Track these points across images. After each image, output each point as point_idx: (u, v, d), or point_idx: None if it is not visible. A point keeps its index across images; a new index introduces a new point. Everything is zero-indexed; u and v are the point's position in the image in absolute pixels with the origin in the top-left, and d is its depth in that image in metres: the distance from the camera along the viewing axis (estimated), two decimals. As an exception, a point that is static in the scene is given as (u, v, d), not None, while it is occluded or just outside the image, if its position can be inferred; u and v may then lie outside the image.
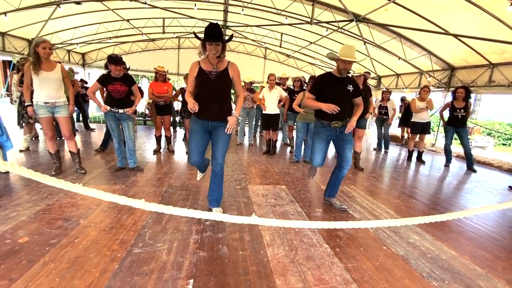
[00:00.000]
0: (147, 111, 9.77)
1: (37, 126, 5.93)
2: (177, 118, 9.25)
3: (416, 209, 3.25)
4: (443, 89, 7.90)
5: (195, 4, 7.76)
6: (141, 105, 8.93)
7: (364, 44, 7.52)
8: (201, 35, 2.31)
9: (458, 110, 5.36)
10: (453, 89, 5.66)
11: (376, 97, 9.48)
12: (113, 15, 8.30)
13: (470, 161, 5.53)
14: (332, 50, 9.83)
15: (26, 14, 6.87)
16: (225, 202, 3.04)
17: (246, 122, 7.25)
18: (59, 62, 3.56)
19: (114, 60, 3.54)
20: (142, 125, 9.82)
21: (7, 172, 3.47)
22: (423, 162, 5.95)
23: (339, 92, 2.79)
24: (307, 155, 5.25)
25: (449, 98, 6.04)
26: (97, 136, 6.70)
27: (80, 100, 7.12)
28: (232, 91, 2.68)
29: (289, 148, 6.54)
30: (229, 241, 2.22)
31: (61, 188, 2.91)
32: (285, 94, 5.70)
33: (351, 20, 6.50)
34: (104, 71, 4.04)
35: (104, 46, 11.34)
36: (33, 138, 5.48)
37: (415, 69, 8.51)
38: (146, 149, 5.60)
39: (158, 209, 1.06)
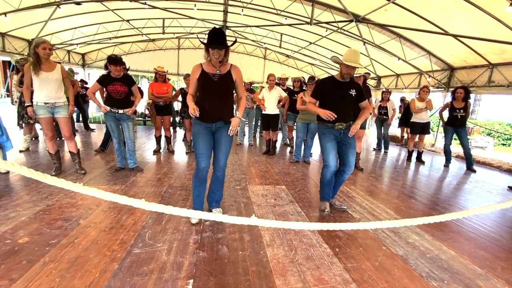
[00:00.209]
0: (147, 112, 9.77)
1: (37, 126, 5.93)
2: (177, 119, 9.25)
3: (415, 209, 3.26)
4: (443, 89, 7.91)
5: (195, 5, 7.76)
6: (141, 106, 8.93)
7: (364, 44, 7.53)
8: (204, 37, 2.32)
9: (457, 110, 5.37)
10: (453, 89, 5.67)
11: (376, 97, 9.49)
12: (113, 15, 8.31)
13: (469, 161, 5.54)
14: (331, 50, 9.86)
15: (26, 14, 6.87)
16: (225, 202, 3.04)
17: (246, 123, 7.26)
18: (59, 63, 3.56)
19: (114, 60, 3.54)
20: (142, 125, 9.82)
21: (7, 173, 3.47)
22: (423, 162, 5.96)
23: (342, 97, 2.76)
24: (306, 155, 5.26)
25: (448, 98, 6.06)
26: (97, 137, 6.70)
27: (80, 100, 7.13)
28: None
29: (289, 148, 6.54)
30: (229, 241, 2.22)
31: (61, 189, 2.90)
32: (284, 94, 5.71)
33: (351, 21, 6.50)
34: (104, 72, 4.04)
35: (104, 46, 11.34)
36: (33, 139, 5.48)
37: (415, 70, 8.51)
38: (146, 150, 5.60)
39: (158, 209, 1.07)
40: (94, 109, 11.08)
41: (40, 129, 6.08)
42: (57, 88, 3.40)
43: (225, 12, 8.37)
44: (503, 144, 14.56)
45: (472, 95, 6.21)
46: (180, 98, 5.69)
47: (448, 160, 5.77)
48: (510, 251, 2.36)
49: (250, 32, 10.17)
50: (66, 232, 2.18)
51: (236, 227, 2.44)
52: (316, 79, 5.15)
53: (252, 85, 7.16)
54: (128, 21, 9.02)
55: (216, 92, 2.40)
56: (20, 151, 4.63)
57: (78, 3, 6.83)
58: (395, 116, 7.71)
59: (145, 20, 9.21)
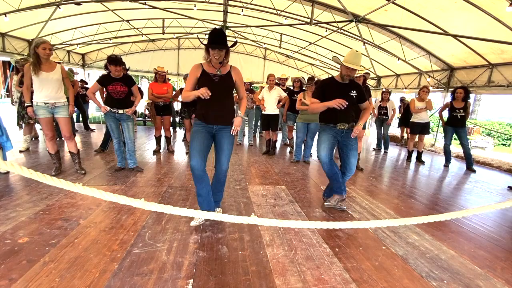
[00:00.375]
0: (147, 112, 9.77)
1: (37, 126, 5.94)
2: (177, 119, 9.25)
3: (415, 209, 3.26)
4: (443, 89, 7.91)
5: (195, 5, 7.76)
6: (141, 106, 8.93)
7: (364, 44, 7.53)
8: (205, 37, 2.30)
9: (457, 110, 5.37)
10: (452, 89, 5.67)
11: (375, 97, 9.49)
12: (113, 15, 8.31)
13: (469, 161, 5.54)
14: (331, 51, 9.87)
15: (26, 14, 6.88)
16: (225, 202, 3.04)
17: (246, 123, 7.26)
18: (59, 63, 3.56)
19: (114, 60, 3.55)
20: (142, 125, 9.82)
21: (7, 173, 3.47)
22: (423, 162, 5.96)
23: (342, 97, 2.72)
24: (306, 155, 5.26)
25: (448, 98, 6.06)
26: (97, 137, 6.70)
27: (80, 100, 7.13)
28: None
29: (288, 149, 6.54)
30: (229, 241, 2.22)
31: (61, 189, 2.91)
32: (284, 94, 5.71)
33: (351, 21, 6.50)
34: (104, 72, 4.04)
35: (104, 46, 11.35)
36: (33, 139, 5.49)
37: (415, 70, 8.52)
38: (146, 150, 5.60)
39: (157, 209, 1.07)
40: (94, 109, 11.09)
41: (40, 129, 6.08)
42: (57, 88, 3.40)
43: (225, 12, 8.38)
44: (503, 144, 14.57)
45: (472, 95, 6.21)
46: (180, 98, 5.69)
47: (448, 160, 5.77)
48: (510, 251, 2.37)
49: (250, 32, 10.18)
50: (66, 232, 2.19)
51: (236, 227, 2.44)
52: (316, 79, 5.17)
53: (252, 85, 7.16)
54: (128, 21, 9.02)
55: (217, 94, 2.35)
56: (20, 151, 4.63)
57: (78, 3, 6.84)
58: (395, 116, 7.71)
59: (145, 20, 9.22)
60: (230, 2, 7.67)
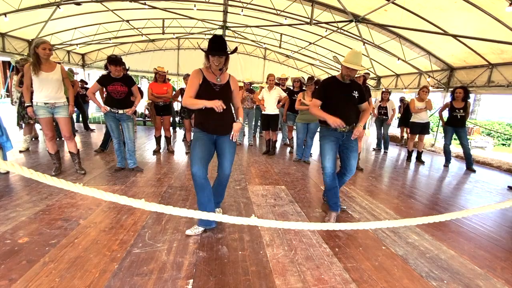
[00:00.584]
0: (147, 112, 9.77)
1: (37, 126, 5.93)
2: (177, 119, 9.25)
3: (415, 209, 3.26)
4: (442, 89, 7.92)
5: (195, 5, 7.76)
6: (141, 106, 8.93)
7: (364, 44, 7.53)
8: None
9: (457, 110, 5.37)
10: (452, 89, 5.67)
11: (375, 97, 9.49)
12: (113, 15, 8.31)
13: (469, 161, 5.54)
14: (331, 51, 9.87)
15: (26, 15, 6.88)
16: (225, 202, 3.04)
17: (246, 123, 7.26)
18: (59, 63, 3.56)
19: (114, 61, 3.55)
20: (142, 125, 9.82)
21: (7, 173, 3.47)
22: (423, 162, 5.96)
23: (346, 98, 2.69)
24: (306, 155, 5.27)
25: (448, 98, 6.06)
26: (97, 137, 6.70)
27: (80, 100, 7.13)
28: None
29: (288, 149, 6.54)
30: (229, 241, 2.22)
31: (61, 189, 2.90)
32: (284, 94, 5.71)
33: (351, 21, 6.50)
34: (104, 72, 4.04)
35: (104, 46, 11.34)
36: (33, 139, 5.48)
37: (415, 70, 8.52)
38: (146, 150, 5.60)
39: (157, 209, 1.07)
40: (94, 109, 11.09)
41: (40, 129, 6.08)
42: (57, 88, 3.40)
43: (225, 12, 8.38)
44: (503, 144, 14.58)
45: (471, 95, 6.21)
46: (180, 98, 5.69)
47: (447, 160, 5.77)
48: (510, 251, 2.37)
49: (250, 32, 10.17)
50: (66, 232, 2.19)
51: (236, 227, 2.44)
52: (315, 79, 5.17)
53: (252, 85, 7.16)
54: (128, 21, 9.02)
55: None
56: (20, 152, 4.63)
57: (78, 4, 6.83)
58: (394, 116, 7.71)
59: (145, 20, 9.22)
60: (230, 2, 7.67)
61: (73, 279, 1.67)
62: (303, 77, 6.13)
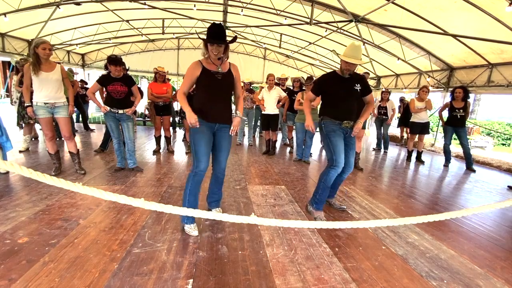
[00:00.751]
0: (146, 112, 9.77)
1: (37, 126, 5.93)
2: (177, 119, 9.25)
3: (415, 209, 3.26)
4: (442, 89, 7.92)
5: (195, 5, 7.76)
6: (141, 106, 8.93)
7: (364, 44, 7.53)
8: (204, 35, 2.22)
9: (457, 110, 5.37)
10: (452, 89, 5.68)
11: (375, 97, 9.50)
12: (112, 15, 8.31)
13: (469, 161, 5.54)
14: (331, 50, 9.86)
15: (26, 15, 6.88)
16: (225, 202, 3.04)
17: (246, 123, 7.26)
18: (59, 63, 3.57)
19: (114, 61, 3.55)
20: (141, 125, 9.82)
21: (7, 173, 3.47)
22: (423, 162, 5.96)
23: (347, 93, 2.61)
24: (306, 155, 5.27)
25: (448, 98, 6.06)
26: (97, 137, 6.70)
27: (79, 100, 7.13)
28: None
29: (288, 149, 6.55)
30: (229, 241, 2.22)
31: (61, 189, 2.90)
32: (284, 94, 5.71)
33: (350, 21, 6.50)
34: (104, 72, 4.04)
35: (103, 46, 11.34)
36: (33, 139, 5.48)
37: (414, 70, 8.52)
38: (146, 150, 5.60)
39: (157, 208, 1.07)
40: (94, 109, 11.09)
41: (40, 129, 6.08)
42: (56, 88, 3.40)
43: (225, 12, 8.37)
44: (503, 144, 14.58)
45: (471, 95, 6.21)
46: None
47: (447, 160, 5.77)
48: (510, 251, 2.37)
49: (250, 32, 10.17)
50: (65, 232, 2.18)
51: (236, 226, 2.44)
52: (315, 79, 5.17)
53: (252, 85, 7.16)
54: (127, 21, 9.02)
55: (220, 92, 2.32)
56: (20, 152, 4.63)
57: (78, 4, 6.83)
58: (394, 116, 7.72)
59: (144, 20, 9.22)
60: (230, 2, 7.67)
61: (73, 279, 1.66)
62: (303, 77, 6.14)
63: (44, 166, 3.93)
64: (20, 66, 4.73)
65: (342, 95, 2.63)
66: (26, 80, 3.27)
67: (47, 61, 3.29)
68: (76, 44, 9.76)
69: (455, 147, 7.43)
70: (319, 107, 2.96)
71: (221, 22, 8.57)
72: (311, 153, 5.69)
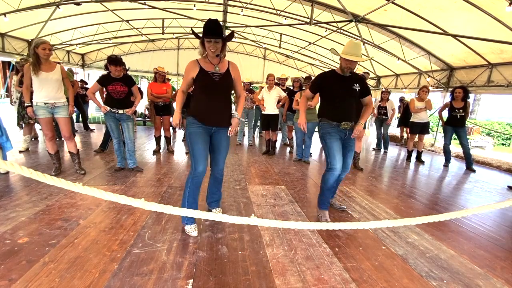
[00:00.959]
0: (146, 112, 9.77)
1: (37, 126, 5.93)
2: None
3: (415, 209, 3.26)
4: (442, 89, 7.92)
5: (194, 5, 7.77)
6: (141, 106, 8.93)
7: (363, 44, 7.53)
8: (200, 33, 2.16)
9: (457, 110, 5.37)
10: (452, 89, 5.68)
11: (375, 97, 9.50)
12: (112, 16, 8.31)
13: (469, 161, 5.55)
14: (331, 49, 9.86)
15: (26, 15, 6.88)
16: (225, 202, 3.04)
17: (246, 123, 7.26)
18: (59, 63, 3.57)
19: (114, 61, 3.54)
20: (141, 125, 9.82)
21: (7, 173, 3.47)
22: (422, 162, 5.96)
23: (346, 92, 2.55)
24: (306, 155, 5.27)
25: (448, 98, 6.06)
26: (97, 137, 6.70)
27: (79, 100, 7.13)
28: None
29: (288, 149, 6.55)
30: (229, 241, 2.22)
31: (61, 189, 2.90)
32: (284, 94, 5.71)
33: (350, 21, 6.51)
34: (104, 72, 4.04)
35: (103, 46, 11.35)
36: (33, 139, 5.48)
37: (414, 69, 8.52)
38: (146, 150, 5.60)
39: (157, 208, 1.07)
40: (94, 110, 11.09)
41: (40, 129, 6.08)
42: (56, 89, 3.40)
43: (225, 12, 8.37)
44: (503, 144, 14.58)
45: (471, 95, 6.21)
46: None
47: (447, 160, 5.77)
48: (510, 251, 2.37)
49: (250, 32, 10.18)
50: (65, 232, 2.18)
51: (236, 227, 2.44)
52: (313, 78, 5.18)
53: (252, 85, 7.16)
54: (127, 21, 9.02)
55: (218, 93, 2.25)
56: (20, 152, 4.63)
57: (78, 4, 6.84)
58: (394, 116, 7.72)
59: (144, 20, 9.22)
60: (230, 2, 7.67)
61: (73, 279, 1.67)
62: (302, 77, 6.13)
63: (44, 166, 3.93)
64: (20, 66, 4.73)
65: (341, 93, 2.57)
66: (26, 80, 3.27)
67: (47, 61, 3.29)
68: (76, 44, 9.76)
69: (455, 147, 7.43)
70: (318, 107, 2.96)
71: (221, 22, 8.57)
72: (311, 153, 5.70)
